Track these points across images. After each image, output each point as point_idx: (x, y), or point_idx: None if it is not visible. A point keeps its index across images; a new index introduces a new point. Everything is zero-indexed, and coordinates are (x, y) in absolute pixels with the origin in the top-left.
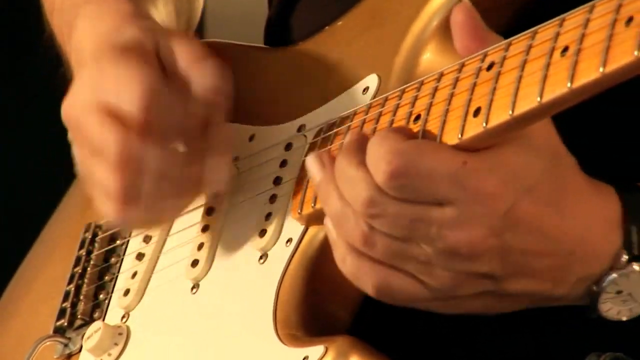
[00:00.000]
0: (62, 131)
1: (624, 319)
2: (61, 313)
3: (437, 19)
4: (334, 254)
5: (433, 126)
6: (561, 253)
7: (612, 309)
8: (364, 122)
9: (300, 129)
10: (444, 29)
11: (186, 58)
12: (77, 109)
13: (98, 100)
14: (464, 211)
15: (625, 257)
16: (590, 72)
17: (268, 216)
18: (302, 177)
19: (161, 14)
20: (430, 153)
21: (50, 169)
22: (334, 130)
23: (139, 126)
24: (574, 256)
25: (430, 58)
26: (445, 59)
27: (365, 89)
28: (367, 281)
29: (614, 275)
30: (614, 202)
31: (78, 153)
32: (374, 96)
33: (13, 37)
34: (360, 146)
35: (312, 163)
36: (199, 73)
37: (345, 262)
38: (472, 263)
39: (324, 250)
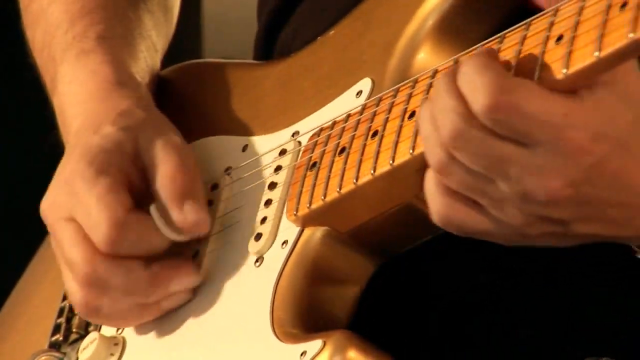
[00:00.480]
0: None
1: None
2: (56, 328)
3: (431, 19)
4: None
5: None
6: (636, 203)
7: None
8: (358, 122)
9: (294, 135)
10: (439, 29)
11: (165, 187)
12: (53, 215)
13: (71, 216)
14: (550, 159)
15: None
16: (585, 58)
17: (263, 220)
18: (296, 180)
19: (149, 40)
20: (535, 96)
21: (50, 169)
22: (328, 133)
23: (104, 252)
24: None
25: (425, 57)
26: (440, 57)
27: (359, 93)
28: (432, 208)
29: None
30: None
31: (54, 250)
32: (368, 98)
33: (13, 37)
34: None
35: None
36: (174, 212)
37: (428, 181)
38: (546, 208)
39: (320, 250)
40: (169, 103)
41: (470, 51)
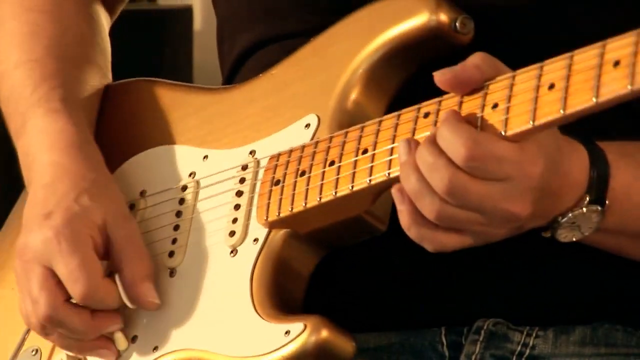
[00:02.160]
0: None
1: (565, 240)
2: None
3: (362, 69)
4: (400, 220)
5: (380, 158)
6: (559, 203)
7: (563, 234)
8: (314, 153)
9: (251, 153)
10: (367, 77)
11: (129, 269)
12: (28, 255)
13: (46, 261)
14: (518, 187)
15: (587, 199)
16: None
17: (235, 220)
18: (263, 192)
19: (96, 88)
20: (498, 142)
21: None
22: (287, 158)
23: (79, 303)
24: (563, 203)
25: (357, 98)
26: (368, 98)
27: (307, 125)
28: (428, 244)
29: (573, 213)
30: (585, 158)
31: (18, 283)
32: (315, 131)
33: None
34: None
35: (402, 146)
36: (137, 290)
37: (410, 230)
38: (515, 222)
39: (284, 247)
40: (123, 110)
41: (412, 109)
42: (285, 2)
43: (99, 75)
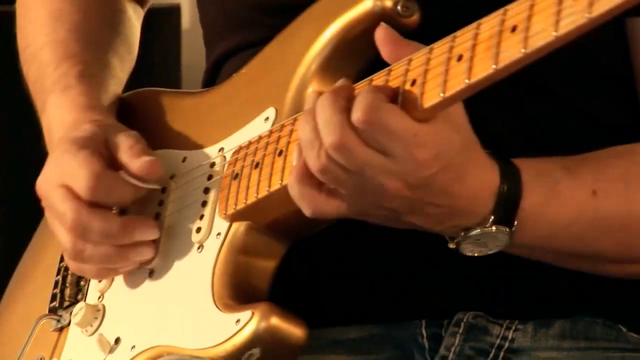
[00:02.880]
0: None
1: (470, 254)
2: (53, 297)
3: (315, 64)
4: (289, 178)
5: None
6: (451, 208)
7: (468, 248)
8: (267, 143)
9: (220, 150)
10: (321, 70)
11: (125, 153)
12: (46, 185)
13: (60, 180)
14: (400, 167)
15: (491, 220)
16: (433, 97)
17: (201, 217)
18: (224, 187)
19: (116, 77)
20: (397, 117)
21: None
22: (245, 151)
23: (86, 201)
24: (458, 211)
25: (315, 90)
26: (326, 88)
27: (266, 119)
28: (307, 205)
29: (479, 230)
30: (495, 175)
31: (47, 216)
32: (273, 123)
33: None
34: (346, 94)
35: (310, 94)
36: (133, 164)
37: (294, 188)
38: (387, 200)
39: (244, 239)
40: (126, 120)
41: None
42: (255, 11)
43: (119, 63)
